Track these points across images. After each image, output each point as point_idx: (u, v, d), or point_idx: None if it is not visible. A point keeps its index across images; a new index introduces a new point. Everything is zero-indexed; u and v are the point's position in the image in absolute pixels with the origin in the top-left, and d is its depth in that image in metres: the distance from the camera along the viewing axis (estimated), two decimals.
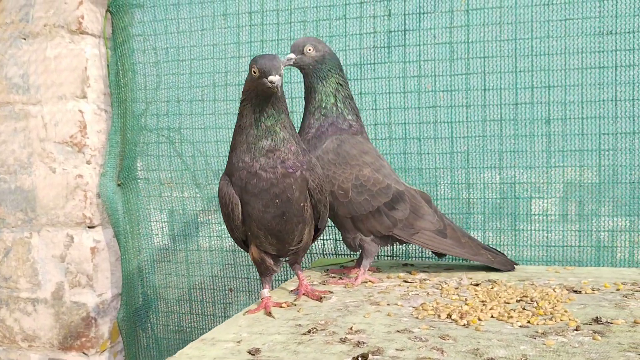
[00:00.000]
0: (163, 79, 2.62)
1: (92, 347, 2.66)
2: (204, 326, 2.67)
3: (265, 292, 1.77)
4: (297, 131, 2.05)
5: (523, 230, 2.26)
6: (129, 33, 2.61)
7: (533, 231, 2.25)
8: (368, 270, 2.13)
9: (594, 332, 1.41)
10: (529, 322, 1.52)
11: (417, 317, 1.60)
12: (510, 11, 2.22)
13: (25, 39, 2.65)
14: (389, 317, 1.62)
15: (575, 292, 1.80)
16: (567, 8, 2.17)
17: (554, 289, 1.80)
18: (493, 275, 2.03)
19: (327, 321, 1.59)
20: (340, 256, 2.49)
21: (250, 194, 1.64)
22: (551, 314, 1.58)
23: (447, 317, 1.59)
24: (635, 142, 2.15)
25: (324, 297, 1.80)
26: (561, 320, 1.53)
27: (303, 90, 2.04)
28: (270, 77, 1.52)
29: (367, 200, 1.95)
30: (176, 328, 2.70)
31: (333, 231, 2.48)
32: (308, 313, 1.67)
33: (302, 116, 2.06)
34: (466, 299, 1.74)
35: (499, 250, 2.14)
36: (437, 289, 1.89)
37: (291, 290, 1.91)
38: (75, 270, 2.66)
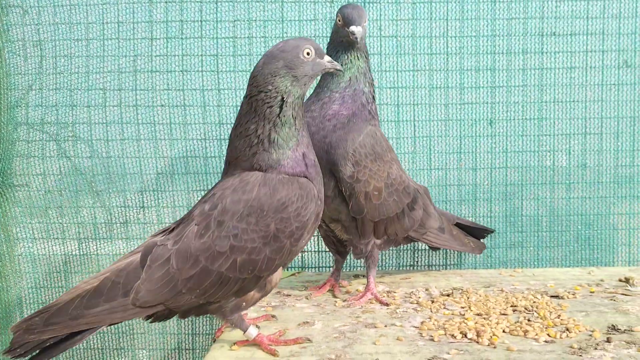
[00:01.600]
0: (50, 62, 2.09)
1: None
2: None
3: (254, 329, 1.43)
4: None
5: None
6: (3, 3, 2.05)
7: None
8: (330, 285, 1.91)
9: (628, 342, 1.36)
10: (549, 335, 1.44)
11: (432, 339, 1.42)
12: (457, 6, 2.13)
13: None
14: (400, 342, 1.42)
15: (556, 297, 1.76)
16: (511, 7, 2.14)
17: (534, 296, 1.74)
18: (455, 283, 1.93)
19: (336, 354, 1.34)
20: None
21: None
22: (561, 324, 1.51)
23: (463, 337, 1.44)
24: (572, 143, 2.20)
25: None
26: (580, 331, 1.46)
27: None
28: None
29: (396, 201, 1.71)
30: None
31: None
32: (305, 345, 1.40)
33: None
34: (461, 313, 1.62)
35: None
36: (413, 303, 1.73)
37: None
38: None
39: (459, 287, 1.87)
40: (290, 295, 1.84)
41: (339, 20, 1.64)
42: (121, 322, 1.32)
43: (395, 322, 1.56)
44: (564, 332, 1.45)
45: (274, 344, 1.40)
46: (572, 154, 2.19)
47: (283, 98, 1.32)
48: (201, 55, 2.11)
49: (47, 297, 2.16)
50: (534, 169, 2.20)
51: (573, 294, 1.77)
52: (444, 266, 2.21)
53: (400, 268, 2.23)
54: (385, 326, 1.53)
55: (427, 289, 1.87)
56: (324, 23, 2.12)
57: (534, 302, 1.68)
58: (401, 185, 1.74)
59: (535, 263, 2.21)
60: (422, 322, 1.54)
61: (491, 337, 1.42)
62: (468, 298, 1.74)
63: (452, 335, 1.44)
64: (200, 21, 2.10)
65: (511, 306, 1.66)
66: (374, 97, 1.72)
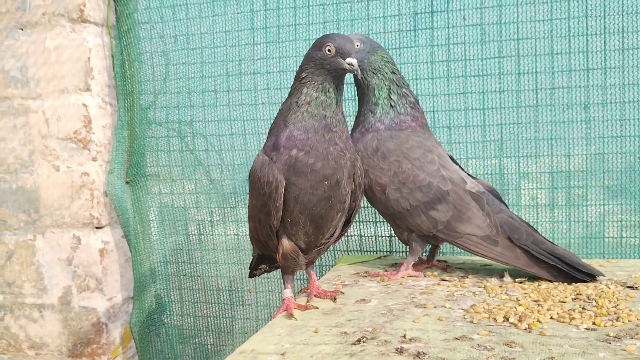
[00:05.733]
0: (172, 69, 2.46)
1: (104, 354, 2.52)
2: (222, 328, 2.53)
3: (288, 292, 1.64)
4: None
5: (562, 221, 2.13)
6: (134, 20, 2.44)
7: (572, 222, 2.13)
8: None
9: None
10: (594, 323, 1.41)
11: (471, 321, 1.47)
12: None
13: (22, 29, 2.48)
14: (440, 321, 1.49)
15: (630, 287, 1.68)
16: None
17: (607, 285, 1.69)
18: None
19: (374, 328, 1.46)
20: (365, 253, 2.36)
21: (298, 173, 1.52)
22: (615, 313, 1.47)
23: (504, 320, 1.47)
24: None
25: (337, 297, 1.70)
26: (629, 320, 1.41)
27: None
28: (350, 60, 1.52)
29: (405, 198, 1.84)
30: (192, 331, 2.56)
31: (358, 227, 2.35)
32: (351, 319, 1.54)
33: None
34: (518, 299, 1.63)
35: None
36: (480, 287, 1.77)
37: (300, 291, 1.80)
38: (83, 273, 2.51)
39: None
40: (366, 277, 1.98)
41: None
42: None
43: (446, 304, 1.62)
44: (611, 320, 1.41)
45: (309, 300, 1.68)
46: None
47: (304, 83, 1.54)
48: (295, 56, 2.31)
49: (172, 269, 2.54)
50: (634, 154, 2.07)
51: None
52: None
53: None
54: (435, 307, 1.61)
55: (502, 277, 1.88)
56: (408, 17, 2.20)
57: (602, 291, 1.64)
58: (414, 184, 1.82)
59: (637, 254, 2.09)
60: (471, 305, 1.59)
61: (532, 322, 1.43)
62: (538, 285, 1.74)
63: (494, 319, 1.48)
64: (295, 25, 2.30)
65: (576, 294, 1.63)
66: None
